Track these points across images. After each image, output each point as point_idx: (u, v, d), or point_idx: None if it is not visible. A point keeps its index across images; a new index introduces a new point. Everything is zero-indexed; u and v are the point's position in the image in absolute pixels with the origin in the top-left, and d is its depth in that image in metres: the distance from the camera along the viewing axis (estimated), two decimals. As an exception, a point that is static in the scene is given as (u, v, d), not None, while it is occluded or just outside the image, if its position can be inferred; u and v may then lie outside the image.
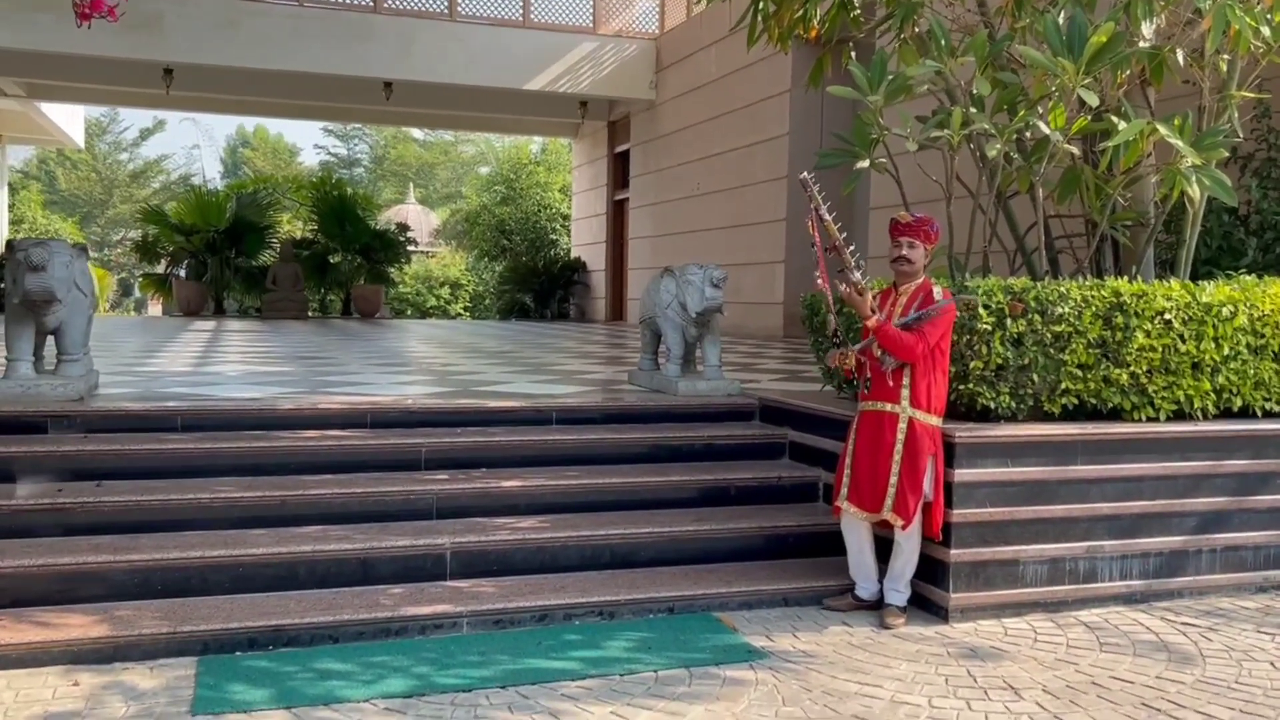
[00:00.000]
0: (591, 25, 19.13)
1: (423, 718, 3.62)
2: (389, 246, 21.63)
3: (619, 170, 21.34)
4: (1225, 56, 5.19)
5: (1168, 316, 5.11)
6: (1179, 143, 4.69)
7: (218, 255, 20.87)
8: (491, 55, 18.10)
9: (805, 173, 4.63)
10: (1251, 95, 5.27)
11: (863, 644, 4.46)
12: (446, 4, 18.41)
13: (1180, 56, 5.05)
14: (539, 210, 25.45)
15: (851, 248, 4.67)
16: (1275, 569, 5.30)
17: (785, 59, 14.72)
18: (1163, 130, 4.71)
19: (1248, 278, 5.50)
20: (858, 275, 4.65)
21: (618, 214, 21.40)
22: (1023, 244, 6.23)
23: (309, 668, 4.02)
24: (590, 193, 22.70)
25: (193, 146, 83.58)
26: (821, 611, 4.87)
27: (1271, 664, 4.26)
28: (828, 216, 4.63)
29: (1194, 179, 4.78)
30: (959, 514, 4.80)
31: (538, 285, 22.25)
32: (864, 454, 4.76)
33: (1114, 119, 5.01)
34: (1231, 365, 5.24)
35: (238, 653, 4.17)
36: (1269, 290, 5.33)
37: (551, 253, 24.50)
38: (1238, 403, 5.33)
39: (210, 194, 22.07)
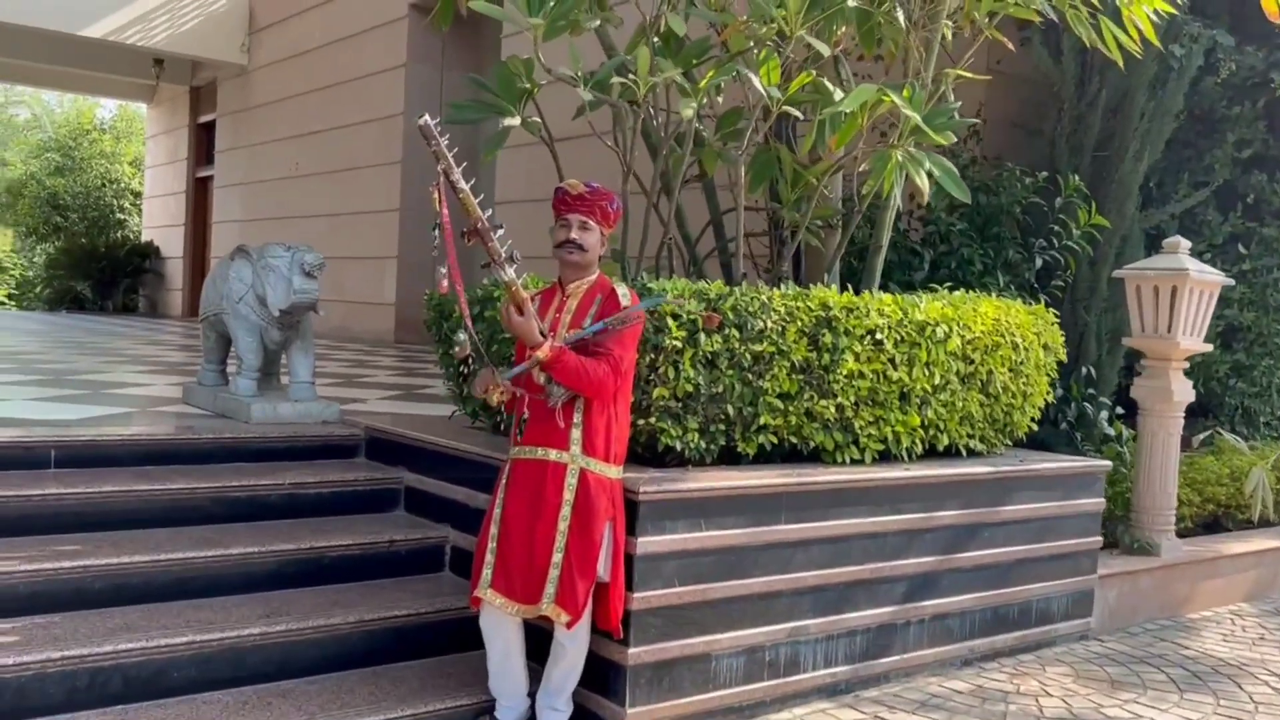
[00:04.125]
0: (171, -30, 16.26)
1: None
2: (-108, 215, 17.25)
3: (203, 143, 18.48)
4: (949, 24, 4.34)
5: (879, 336, 4.15)
6: (915, 116, 3.71)
7: None
8: (38, -12, 14.79)
9: (426, 115, 3.09)
10: (971, 76, 4.45)
11: (512, 805, 3.03)
12: (-23, -82, 14.80)
13: (901, 18, 4.11)
14: (103, 184, 21.66)
15: (500, 230, 3.21)
16: (978, 637, 4.53)
17: (401, 29, 13.09)
18: (895, 99, 3.70)
19: (956, 293, 4.72)
20: (511, 273, 3.19)
21: (200, 193, 18.51)
22: (691, 243, 5.13)
23: None
24: (167, 167, 19.55)
25: None
26: (449, 749, 3.39)
27: (1028, 786, 3.34)
28: (463, 182, 3.12)
29: (924, 167, 3.83)
30: (641, 598, 3.51)
31: (98, 272, 18.75)
32: (517, 521, 3.33)
33: (828, 85, 3.97)
34: (941, 397, 4.40)
35: None
36: (979, 309, 4.56)
37: (119, 234, 20.90)
38: (944, 440, 4.51)
39: None
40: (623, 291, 3.37)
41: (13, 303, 25.96)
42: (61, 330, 12.71)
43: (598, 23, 4.09)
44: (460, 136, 3.90)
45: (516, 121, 4.28)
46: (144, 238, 20.18)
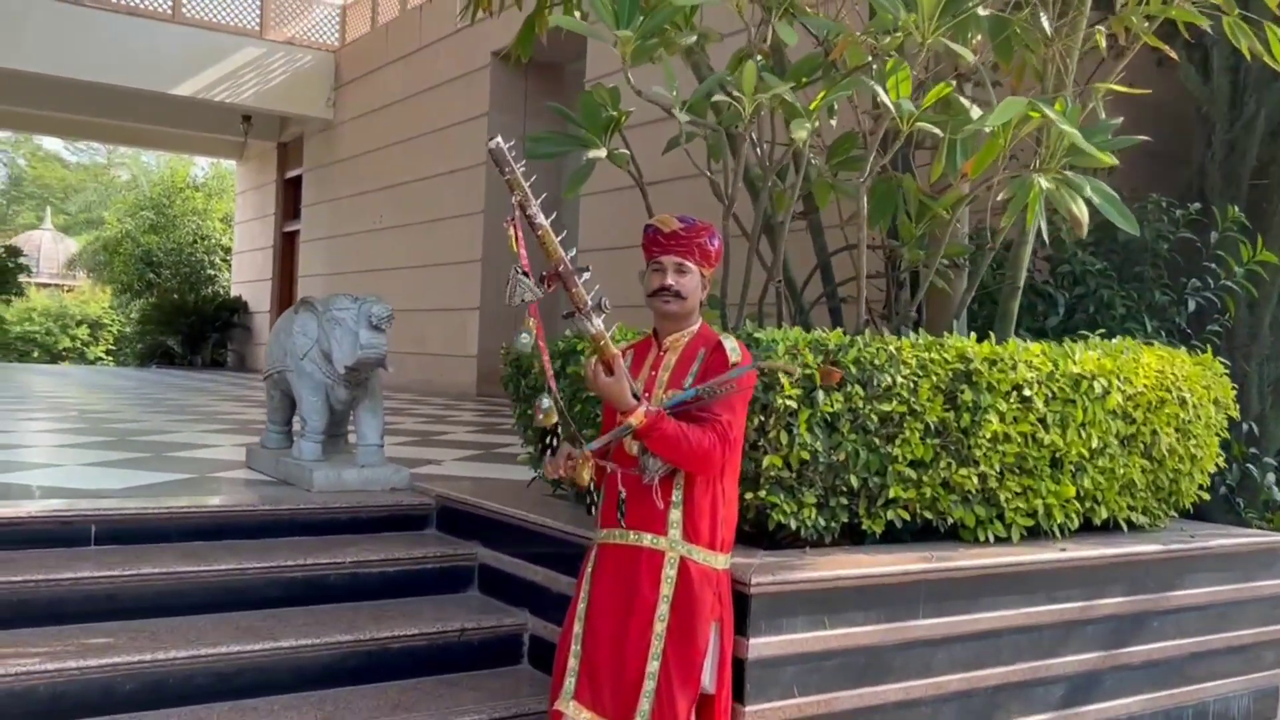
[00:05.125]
0: (258, 29, 16.41)
1: None
2: (-9, 274, 17.59)
3: (290, 198, 18.57)
4: (1102, 31, 3.75)
5: (1028, 393, 3.54)
6: (1073, 132, 3.12)
7: None
8: (131, 50, 15.01)
9: (498, 138, 2.59)
10: (1126, 90, 3.83)
11: None
12: (73, -17, 15.10)
13: (1046, 25, 3.54)
14: (195, 241, 21.98)
15: (586, 273, 2.68)
16: (1149, 746, 3.83)
17: (483, 78, 12.88)
18: (1049, 114, 3.12)
19: (1113, 341, 4.08)
20: (599, 324, 2.67)
21: (287, 248, 18.58)
22: (796, 287, 4.59)
23: None
24: (255, 223, 19.71)
25: None
26: None
27: None
28: (542, 217, 2.61)
29: (1084, 193, 3.23)
30: (754, 712, 2.94)
31: (187, 327, 18.90)
32: (605, 619, 2.78)
33: (963, 101, 3.41)
34: (1099, 462, 3.76)
35: None
36: (1141, 359, 3.91)
37: (209, 290, 21.12)
38: (1101, 513, 3.85)
39: None
40: (731, 345, 2.82)
41: (110, 358, 26.49)
42: (144, 386, 12.63)
43: (694, 38, 3.60)
44: (543, 181, 3.36)
45: (602, 153, 3.81)
46: (233, 292, 20.35)
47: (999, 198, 3.78)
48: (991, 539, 3.58)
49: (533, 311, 2.60)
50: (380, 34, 15.59)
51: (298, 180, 18.02)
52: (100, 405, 9.17)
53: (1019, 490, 3.61)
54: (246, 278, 19.95)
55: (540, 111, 12.98)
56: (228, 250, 22.04)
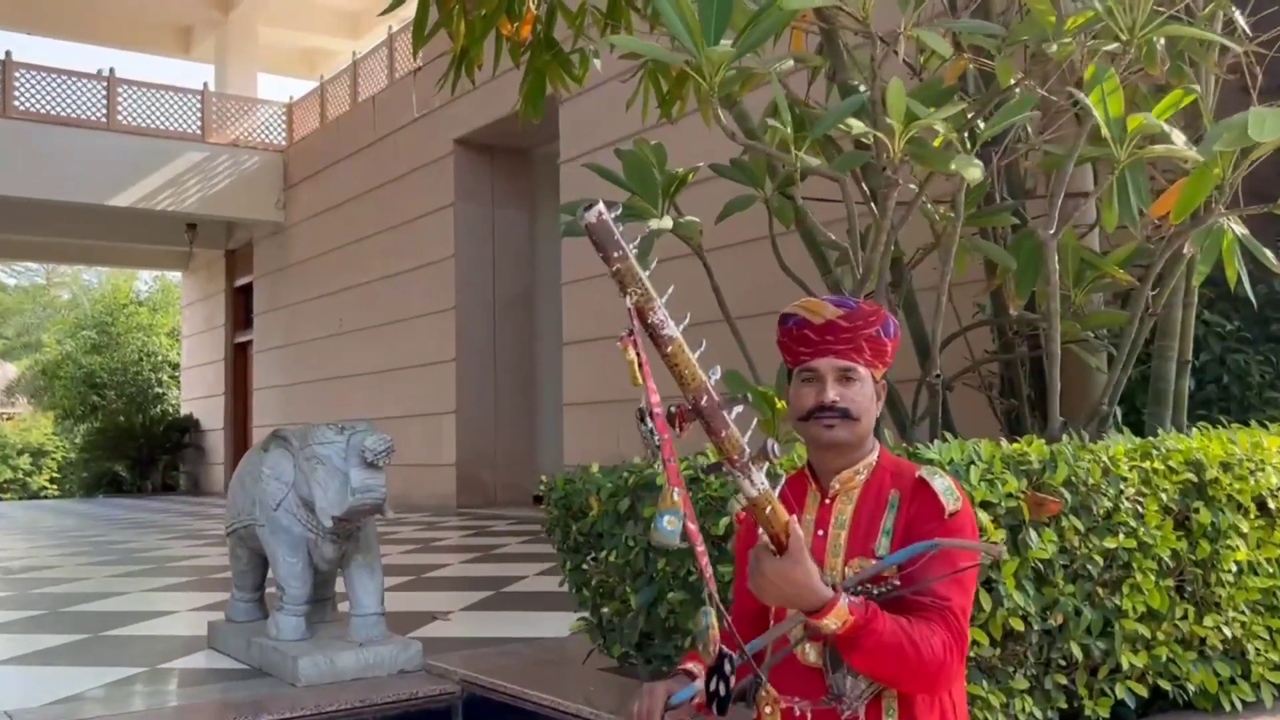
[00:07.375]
0: (200, 133, 15.55)
1: None
2: (-83, 408, 16.25)
3: (240, 307, 17.54)
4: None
5: (1272, 505, 2.64)
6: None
7: None
8: (64, 162, 14.10)
9: (598, 205, 1.58)
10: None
11: None
12: (-2, 96, 14.20)
13: (1241, 21, 2.71)
14: (141, 359, 20.75)
15: (738, 408, 1.63)
16: None
17: (446, 167, 12.06)
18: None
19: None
20: (762, 482, 1.65)
21: (240, 360, 17.49)
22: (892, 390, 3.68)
23: None
24: (205, 335, 18.60)
25: None
26: None
27: None
28: (670, 324, 1.59)
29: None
30: None
31: (135, 451, 17.65)
32: None
33: (1161, 125, 2.54)
34: (1353, 586, 2.85)
35: None
36: (1385, 445, 3.02)
37: (158, 409, 19.86)
38: (1352, 653, 2.93)
39: None
40: (943, 483, 1.81)
41: (55, 487, 24.94)
42: (88, 524, 11.39)
43: (789, 64, 2.72)
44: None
45: (667, 224, 2.90)
46: (183, 410, 19.17)
47: (1185, 250, 2.90)
48: (1239, 705, 2.64)
49: (672, 477, 1.57)
50: (331, 130, 14.80)
51: (248, 288, 17.03)
52: (34, 557, 7.97)
53: (1267, 636, 2.69)
54: (197, 394, 18.79)
55: (510, 199, 12.19)
56: (176, 366, 20.86)
